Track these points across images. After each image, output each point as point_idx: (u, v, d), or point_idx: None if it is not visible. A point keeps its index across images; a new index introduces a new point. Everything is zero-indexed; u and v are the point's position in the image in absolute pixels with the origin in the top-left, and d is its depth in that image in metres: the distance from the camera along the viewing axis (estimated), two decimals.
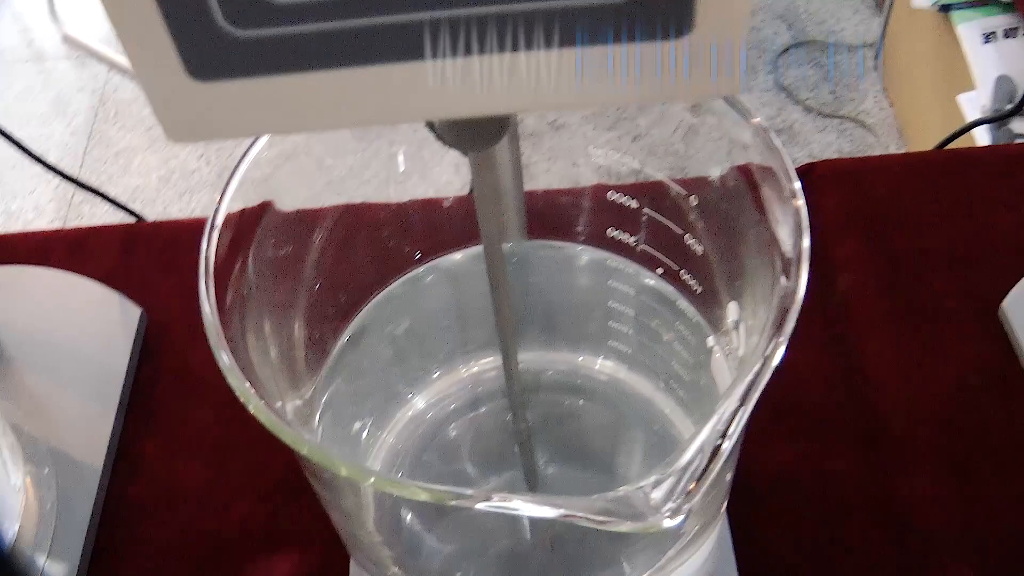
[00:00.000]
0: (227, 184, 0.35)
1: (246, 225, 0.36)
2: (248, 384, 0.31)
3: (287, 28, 0.20)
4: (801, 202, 0.33)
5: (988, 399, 0.55)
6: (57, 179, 1.83)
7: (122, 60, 2.09)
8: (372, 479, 0.31)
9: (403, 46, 0.21)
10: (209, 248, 0.33)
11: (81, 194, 1.87)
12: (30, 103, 2.09)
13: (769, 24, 2.10)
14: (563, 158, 0.45)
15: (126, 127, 2.00)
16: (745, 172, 0.36)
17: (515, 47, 0.21)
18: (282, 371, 0.38)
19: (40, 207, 1.88)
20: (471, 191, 0.31)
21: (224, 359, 0.31)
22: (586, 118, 0.44)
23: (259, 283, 0.36)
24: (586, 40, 0.20)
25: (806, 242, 0.32)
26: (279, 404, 0.35)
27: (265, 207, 0.37)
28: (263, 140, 0.36)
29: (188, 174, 1.90)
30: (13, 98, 2.11)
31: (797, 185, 0.33)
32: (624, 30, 0.20)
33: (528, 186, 0.46)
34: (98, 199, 0.84)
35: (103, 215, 1.80)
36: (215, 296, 0.32)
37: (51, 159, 0.74)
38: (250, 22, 0.20)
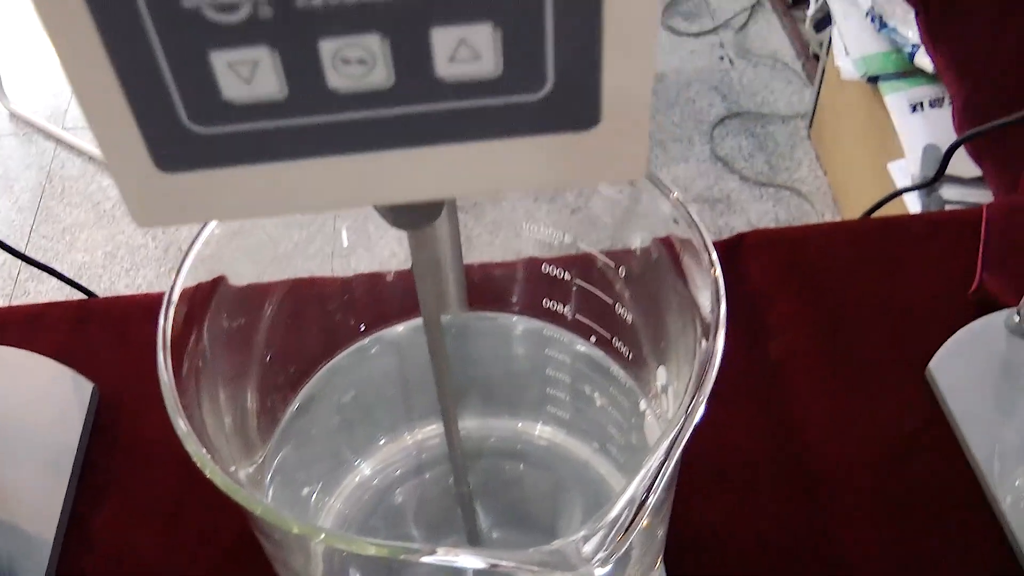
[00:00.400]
0: (183, 260, 0.37)
1: (200, 299, 0.38)
2: (204, 450, 0.33)
3: (243, 125, 0.22)
4: (718, 272, 0.35)
5: (917, 454, 0.57)
6: (1, 257, 1.83)
7: (69, 137, 2.10)
8: (322, 535, 0.32)
9: (345, 140, 0.23)
10: (167, 322, 0.35)
11: (27, 271, 1.86)
12: None
13: (704, 96, 2.16)
14: (505, 229, 0.47)
15: (72, 203, 2.00)
16: (668, 244, 0.39)
17: (447, 139, 0.23)
18: (235, 438, 0.40)
19: None
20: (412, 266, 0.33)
21: (181, 426, 0.33)
22: (526, 191, 0.46)
23: (213, 354, 0.38)
24: (508, 132, 0.23)
25: (723, 308, 0.34)
26: (233, 469, 0.37)
27: (217, 283, 0.39)
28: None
29: (134, 250, 1.90)
30: None
31: (714, 256, 0.36)
32: (539, 123, 0.23)
33: (471, 257, 0.47)
34: (44, 276, 0.85)
35: (49, 292, 1.80)
36: (172, 366, 0.34)
37: None
38: (210, 120, 0.22)
